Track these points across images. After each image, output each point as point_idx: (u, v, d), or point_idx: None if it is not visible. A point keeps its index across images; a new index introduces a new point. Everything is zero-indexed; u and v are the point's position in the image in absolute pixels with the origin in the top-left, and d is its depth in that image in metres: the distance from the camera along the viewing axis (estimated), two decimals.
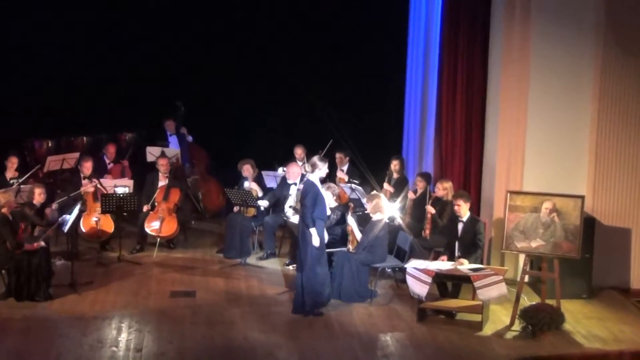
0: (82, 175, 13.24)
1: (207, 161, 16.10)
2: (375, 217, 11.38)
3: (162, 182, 13.65)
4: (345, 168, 14.10)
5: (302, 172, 13.06)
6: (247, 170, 13.57)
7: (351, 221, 11.64)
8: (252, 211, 13.24)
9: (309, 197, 10.48)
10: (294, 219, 12.41)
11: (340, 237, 11.98)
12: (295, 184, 12.98)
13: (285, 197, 13.14)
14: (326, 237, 10.81)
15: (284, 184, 13.30)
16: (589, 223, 11.19)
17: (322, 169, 10.73)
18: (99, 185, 13.12)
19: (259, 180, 13.75)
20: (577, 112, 11.78)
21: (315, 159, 10.77)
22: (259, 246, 13.55)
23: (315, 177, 10.69)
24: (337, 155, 14.09)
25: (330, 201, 11.70)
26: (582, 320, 10.60)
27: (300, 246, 10.60)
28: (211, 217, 15.66)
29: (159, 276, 12.18)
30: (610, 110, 11.72)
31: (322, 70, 16.47)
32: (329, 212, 11.05)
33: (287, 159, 14.22)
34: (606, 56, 11.62)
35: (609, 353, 9.64)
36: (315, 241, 10.46)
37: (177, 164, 14.94)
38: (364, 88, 16.39)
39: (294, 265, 12.27)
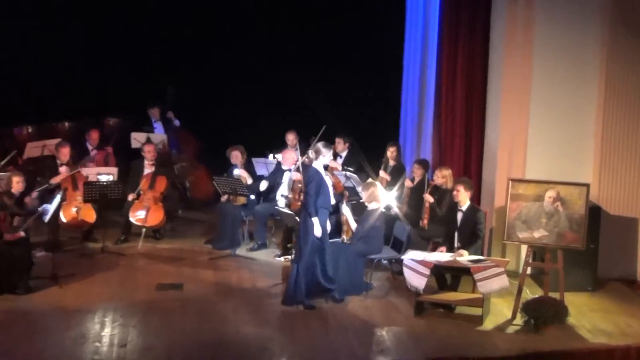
0: (58, 162, 13.12)
1: (195, 147, 16.01)
2: (370, 206, 11.34)
3: (148, 169, 13.57)
4: (344, 154, 14.05)
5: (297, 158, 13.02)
6: (236, 156, 13.50)
7: (346, 210, 11.63)
8: (241, 200, 13.15)
9: (313, 185, 10.47)
10: (286, 207, 12.44)
11: (334, 227, 11.89)
12: (290, 170, 12.92)
13: (278, 185, 13.13)
14: (328, 227, 10.77)
15: (277, 170, 13.27)
16: (594, 212, 11.17)
17: (326, 156, 10.71)
18: (78, 172, 13.02)
19: (248, 167, 13.69)
20: (582, 97, 11.77)
21: (320, 145, 10.73)
22: (249, 237, 13.54)
23: (319, 164, 10.67)
24: (337, 140, 13.98)
25: None
26: (587, 314, 10.58)
27: (300, 235, 10.58)
28: (199, 206, 15.59)
29: (144, 268, 12.14)
30: (616, 95, 11.72)
31: (317, 54, 16.49)
32: (333, 201, 11.00)
33: (280, 146, 14.21)
34: (613, 39, 11.61)
35: (615, 348, 9.62)
36: (317, 231, 10.45)
37: (164, 150, 14.83)
38: (360, 72, 16.39)
39: (286, 257, 12.37)
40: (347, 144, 14.03)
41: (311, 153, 10.78)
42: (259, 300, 10.80)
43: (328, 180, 10.77)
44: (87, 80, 16.11)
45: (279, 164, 13.37)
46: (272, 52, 16.60)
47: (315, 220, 10.43)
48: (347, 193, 12.25)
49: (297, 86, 16.31)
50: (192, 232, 14.19)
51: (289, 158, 13.00)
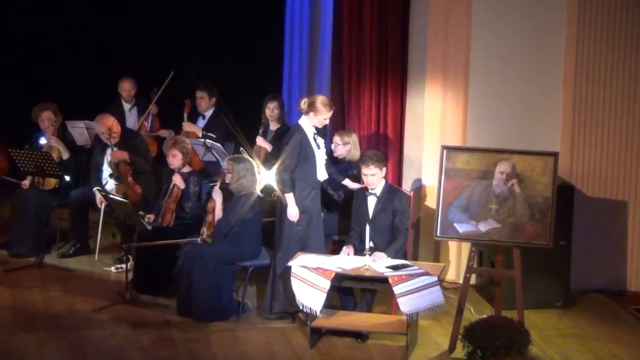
0: None
1: None
2: (239, 190, 11.49)
3: None
4: (208, 114, 14.32)
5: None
6: (47, 119, 13.45)
7: (217, 194, 11.72)
8: (52, 182, 13.24)
9: (290, 147, 10.88)
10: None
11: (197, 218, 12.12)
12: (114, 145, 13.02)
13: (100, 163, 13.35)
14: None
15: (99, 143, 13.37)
16: (566, 194, 11.44)
17: (320, 116, 10.99)
18: None
19: (64, 134, 13.74)
20: (546, 24, 12.03)
21: (318, 99, 11.06)
22: (62, 237, 13.48)
23: (306, 122, 11.04)
24: (198, 94, 14.30)
25: (176, 162, 12.12)
26: (556, 340, 10.80)
27: (276, 220, 11.12)
28: None
29: None
30: (592, 24, 11.99)
31: None
32: (323, 177, 11.26)
33: (110, 101, 14.47)
34: None
35: None
36: (293, 212, 10.84)
37: None
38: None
39: (121, 266, 12.44)
40: (213, 99, 14.32)
41: (303, 104, 11.13)
42: (76, 331, 10.71)
43: (316, 146, 11.06)
44: None
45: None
46: None
47: (289, 197, 10.83)
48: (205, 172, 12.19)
49: (135, 19, 16.39)
50: None
51: (103, 125, 12.90)
